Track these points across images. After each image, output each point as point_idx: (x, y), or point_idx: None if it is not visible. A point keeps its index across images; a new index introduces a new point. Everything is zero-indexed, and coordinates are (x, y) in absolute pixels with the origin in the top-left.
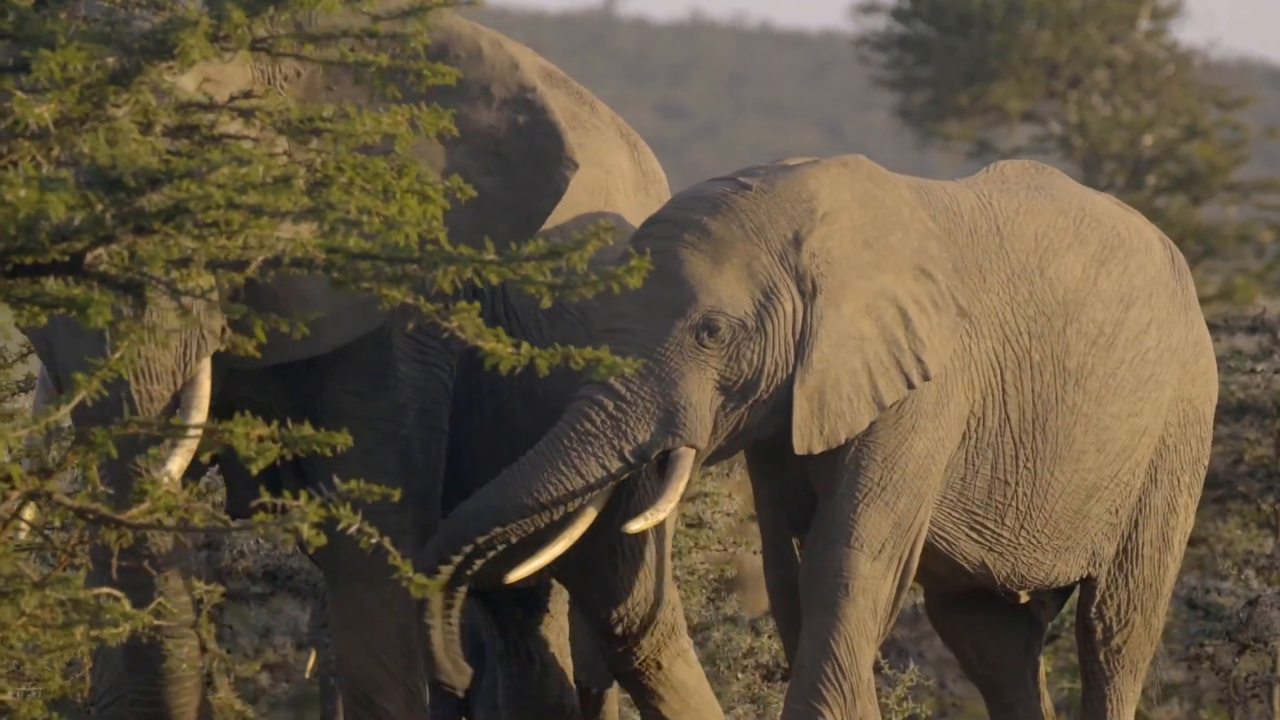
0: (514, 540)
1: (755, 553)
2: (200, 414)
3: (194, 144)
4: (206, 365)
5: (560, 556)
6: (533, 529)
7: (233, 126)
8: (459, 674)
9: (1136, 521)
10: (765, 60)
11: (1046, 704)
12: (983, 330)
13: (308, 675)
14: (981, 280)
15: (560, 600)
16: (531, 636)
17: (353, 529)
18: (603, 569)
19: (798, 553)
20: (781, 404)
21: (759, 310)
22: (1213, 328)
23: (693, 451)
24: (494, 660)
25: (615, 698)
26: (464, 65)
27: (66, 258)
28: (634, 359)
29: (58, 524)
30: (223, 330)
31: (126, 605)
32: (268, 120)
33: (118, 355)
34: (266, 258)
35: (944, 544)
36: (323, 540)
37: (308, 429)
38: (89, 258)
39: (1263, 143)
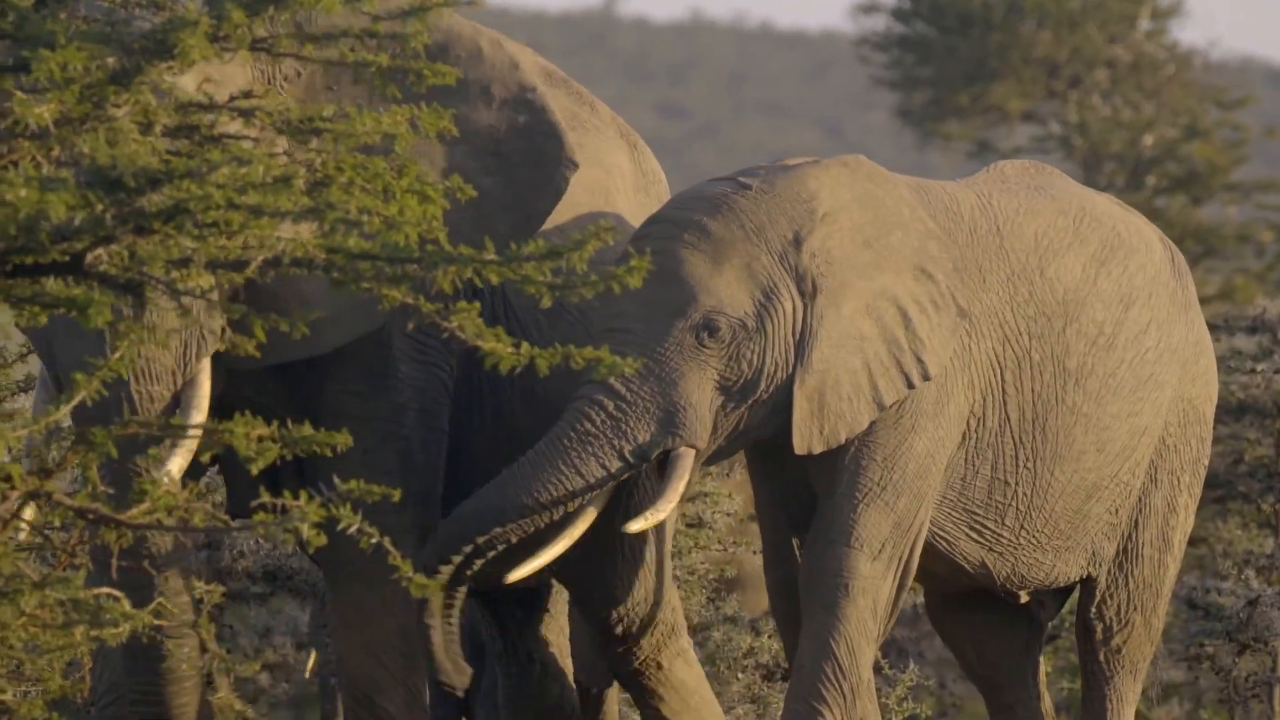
0: (514, 540)
1: (755, 553)
2: (200, 414)
3: (194, 144)
4: (206, 365)
5: (560, 556)
6: (533, 529)
7: (233, 127)
8: (459, 674)
9: (1136, 521)
10: (765, 60)
11: (1046, 704)
12: (983, 330)
13: (307, 675)
14: (981, 280)
15: (560, 600)
16: (531, 637)
17: (353, 529)
18: (603, 569)
19: (798, 553)
20: (781, 404)
21: (759, 310)
22: (1213, 328)
23: (693, 451)
24: (494, 660)
25: (615, 698)
26: (464, 65)
27: (67, 258)
28: (634, 359)
29: (58, 524)
30: (223, 330)
31: (126, 605)
32: (268, 120)
33: (118, 355)
34: (266, 258)
35: (944, 544)
36: (323, 540)
37: (308, 429)
38: (89, 258)
39: (1263, 143)
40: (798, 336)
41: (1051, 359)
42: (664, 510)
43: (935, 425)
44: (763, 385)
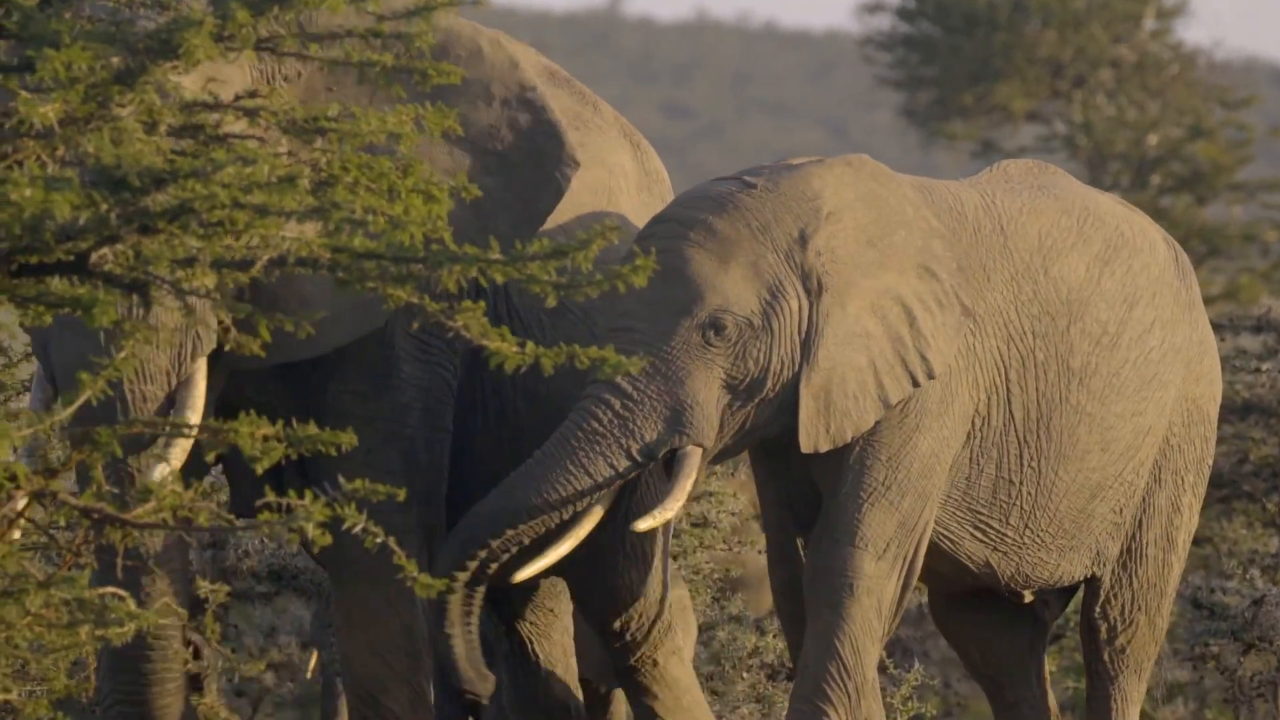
0: (526, 542)
1: (760, 552)
2: (195, 414)
3: (199, 144)
4: (202, 365)
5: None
6: (543, 529)
7: (237, 126)
8: (483, 681)
9: (1141, 521)
10: (770, 60)
11: (1051, 703)
12: (987, 329)
13: (308, 675)
14: (986, 279)
15: (566, 600)
16: (538, 636)
17: (358, 529)
18: (603, 565)
19: (802, 552)
20: (788, 403)
21: (765, 309)
22: (1218, 327)
23: (699, 450)
24: (501, 660)
25: (623, 697)
26: (464, 65)
27: (71, 257)
28: (640, 358)
29: (63, 523)
30: (226, 330)
31: (131, 605)
32: (272, 120)
33: (122, 355)
34: (272, 257)
35: (948, 543)
36: (328, 540)
37: (313, 428)
38: (94, 257)
39: (1267, 142)
40: (804, 335)
41: (1056, 358)
42: (671, 509)
43: (940, 425)
44: (769, 384)
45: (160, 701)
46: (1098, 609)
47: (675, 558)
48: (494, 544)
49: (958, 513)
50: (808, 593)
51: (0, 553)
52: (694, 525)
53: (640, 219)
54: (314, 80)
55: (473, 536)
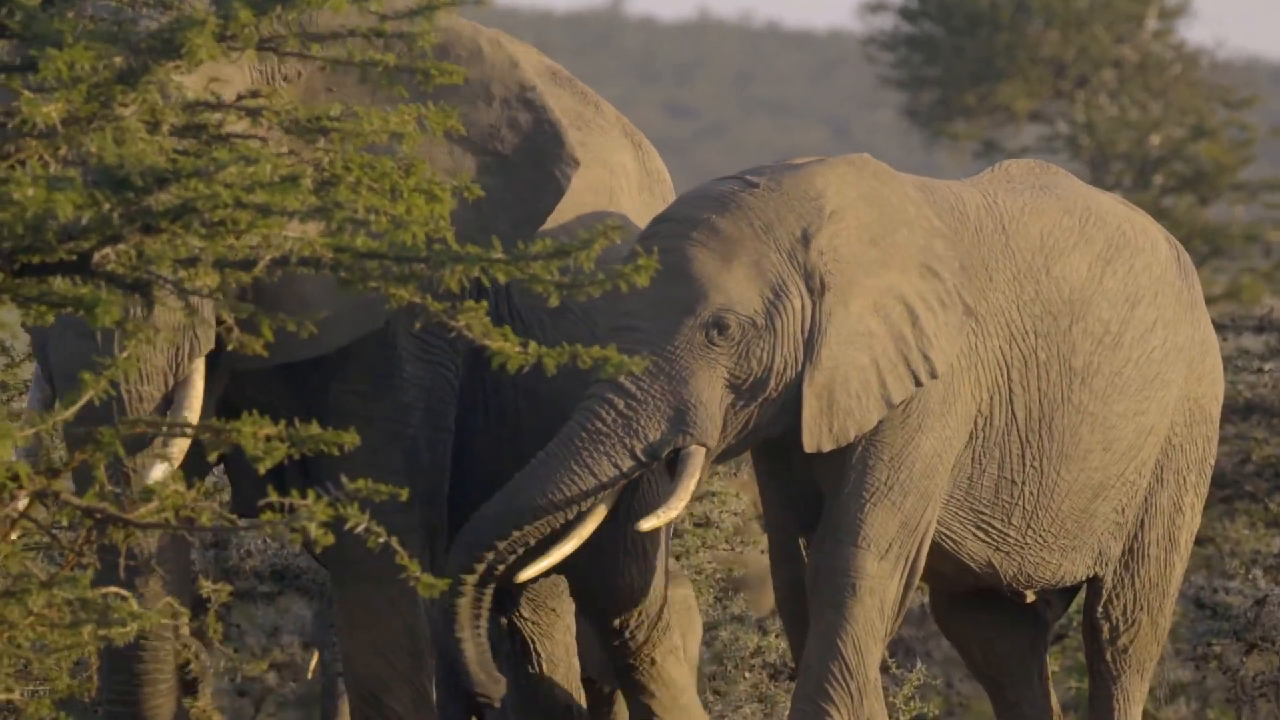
0: (533, 542)
1: (762, 552)
2: (193, 415)
3: (201, 143)
4: (200, 366)
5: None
6: (549, 530)
7: (239, 126)
8: (494, 684)
9: (1143, 521)
10: (772, 59)
11: (1053, 703)
12: (989, 329)
13: (309, 675)
14: (988, 279)
15: (568, 599)
16: (540, 636)
17: (360, 528)
18: (605, 563)
19: (804, 553)
20: (791, 402)
21: (768, 308)
22: (1220, 327)
23: (703, 450)
24: (503, 660)
25: None
26: (464, 65)
27: (74, 257)
28: (642, 357)
29: (65, 523)
30: (229, 330)
31: (134, 605)
32: (275, 120)
33: (125, 354)
34: (274, 257)
35: (950, 543)
36: (330, 539)
37: (315, 428)
38: (96, 257)
39: (1270, 142)
40: (807, 334)
41: (1058, 358)
42: (675, 508)
43: (942, 425)
44: (772, 383)
45: (152, 702)
46: (1100, 609)
47: (678, 557)
48: (501, 546)
49: (960, 513)
50: (810, 593)
51: (3, 553)
52: (696, 525)
53: (642, 219)
54: (314, 80)
55: (479, 539)
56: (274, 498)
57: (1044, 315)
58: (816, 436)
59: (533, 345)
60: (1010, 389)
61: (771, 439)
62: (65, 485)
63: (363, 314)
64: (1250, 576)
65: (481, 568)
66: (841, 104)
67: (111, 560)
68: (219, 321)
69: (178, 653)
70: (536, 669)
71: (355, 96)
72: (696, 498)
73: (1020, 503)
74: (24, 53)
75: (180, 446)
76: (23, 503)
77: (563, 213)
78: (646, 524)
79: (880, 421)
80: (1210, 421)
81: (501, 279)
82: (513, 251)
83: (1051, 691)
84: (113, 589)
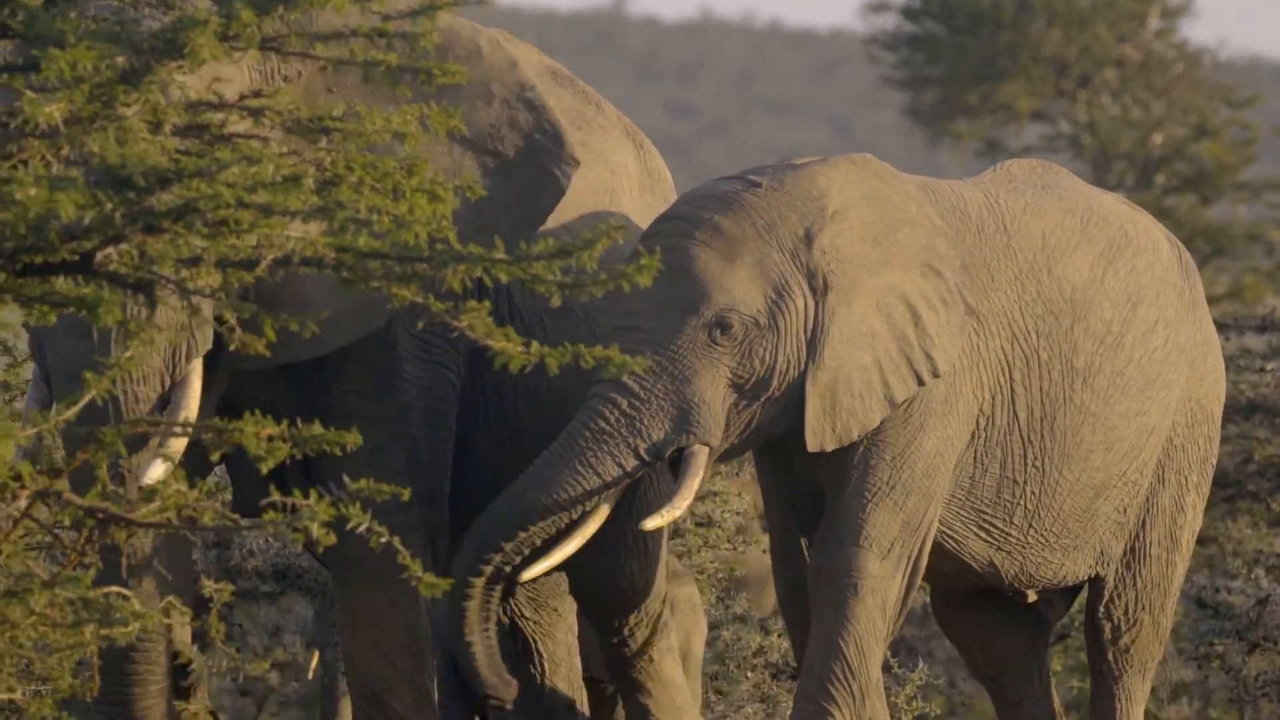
0: (539, 543)
1: (764, 552)
2: (189, 415)
3: (204, 143)
4: (197, 366)
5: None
6: (554, 530)
7: (241, 126)
8: (506, 686)
9: (1144, 521)
10: (775, 59)
11: (1054, 701)
12: (991, 329)
13: (310, 676)
14: (989, 279)
15: (569, 599)
16: (542, 636)
17: (362, 528)
18: (606, 562)
19: (806, 552)
20: (794, 401)
21: (771, 307)
22: (1222, 327)
23: (707, 449)
24: (505, 659)
25: None
26: (463, 65)
27: (76, 257)
28: (645, 357)
29: (67, 523)
30: (231, 330)
31: (136, 604)
32: (277, 120)
33: (128, 354)
34: (277, 257)
35: (952, 543)
36: (332, 539)
37: (318, 428)
38: (99, 257)
39: (1272, 142)
40: (809, 334)
41: (1060, 358)
42: (679, 508)
43: (944, 424)
44: (775, 383)
45: (143, 703)
46: (1102, 609)
47: (680, 557)
48: (508, 547)
49: (962, 512)
50: (812, 593)
51: (5, 552)
52: (698, 524)
53: (643, 219)
54: (313, 81)
55: (486, 541)
56: (276, 497)
57: (1046, 315)
58: (819, 436)
59: (535, 345)
60: (1012, 389)
61: (774, 439)
62: (67, 485)
63: (363, 314)
64: (1252, 576)
65: (489, 569)
66: (844, 103)
67: (114, 560)
68: (221, 321)
69: (178, 654)
70: (538, 669)
71: (355, 97)
72: (699, 497)
73: (1022, 502)
74: (26, 53)
75: (178, 446)
76: (25, 502)
77: (564, 213)
78: (651, 523)
79: (882, 421)
80: (1212, 421)
81: (504, 279)
82: (515, 251)
83: (1053, 690)
84: (115, 589)
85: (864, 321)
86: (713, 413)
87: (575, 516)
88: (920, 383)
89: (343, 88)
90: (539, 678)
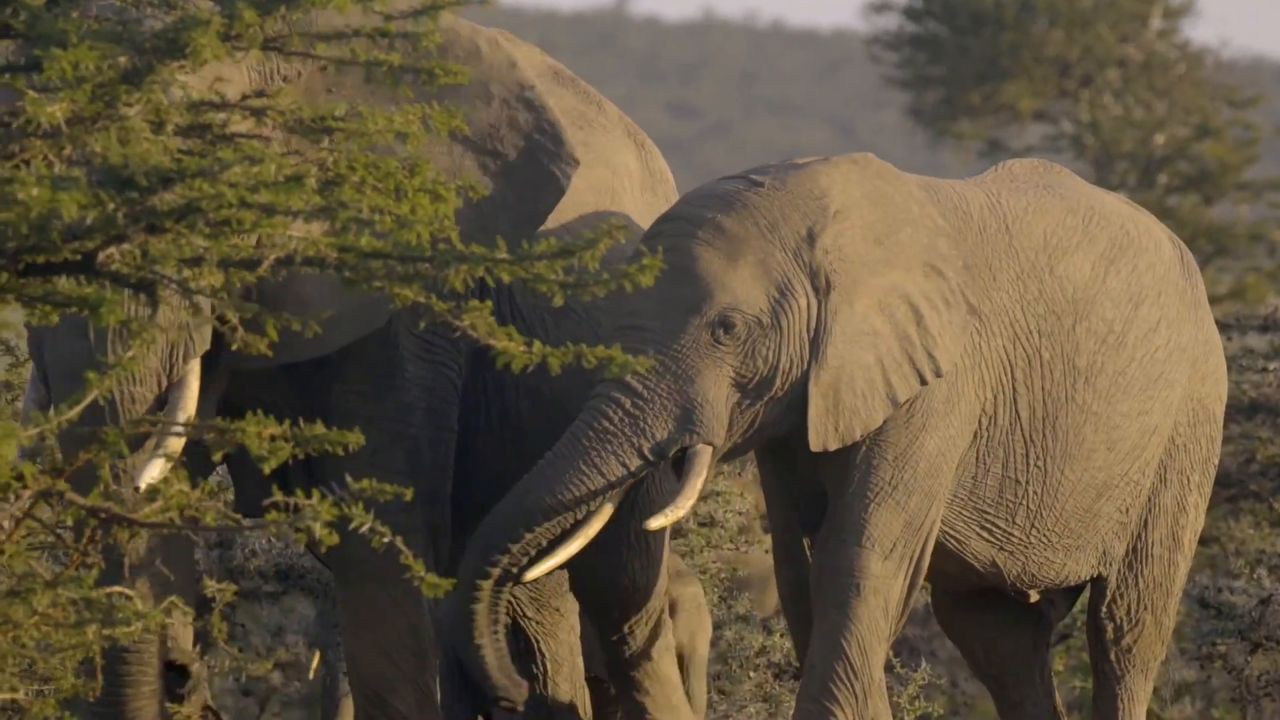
0: (545, 543)
1: (766, 552)
2: (186, 415)
3: (206, 143)
4: (195, 367)
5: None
6: (559, 530)
7: (243, 126)
8: (516, 688)
9: (1146, 521)
10: (777, 59)
11: (1056, 701)
12: (993, 328)
13: (311, 676)
14: (991, 278)
15: (571, 599)
16: (544, 635)
17: (365, 528)
18: (608, 560)
19: (808, 552)
20: (796, 401)
21: (774, 307)
22: (1225, 327)
23: (710, 449)
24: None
25: None
26: (462, 65)
27: (78, 256)
28: (647, 356)
29: (70, 523)
30: (233, 330)
31: (139, 604)
32: (279, 120)
33: (130, 354)
34: (279, 256)
35: (954, 543)
36: (335, 539)
37: (320, 428)
38: (101, 256)
39: (1274, 142)
40: (812, 333)
41: (1061, 357)
42: (683, 507)
43: (946, 424)
44: (778, 382)
45: (134, 704)
46: (1104, 609)
47: (682, 557)
48: (514, 549)
49: (964, 512)
50: (814, 593)
51: (8, 552)
52: (701, 524)
53: (644, 219)
54: (313, 81)
55: (492, 542)
56: (279, 497)
57: (1048, 314)
58: (822, 435)
59: (537, 345)
60: (1014, 388)
61: (776, 438)
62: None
63: (364, 314)
64: (1255, 576)
65: (496, 571)
66: (846, 103)
67: (116, 560)
68: (223, 321)
69: (174, 662)
70: (541, 669)
71: (354, 97)
72: (701, 497)
73: (1024, 502)
74: (29, 52)
75: (175, 446)
76: (27, 502)
77: (565, 213)
78: (655, 523)
79: (885, 421)
80: (1214, 421)
81: (506, 279)
82: (518, 251)
83: (1054, 690)
84: (117, 589)
85: (866, 321)
86: (716, 412)
87: (580, 516)
88: (923, 382)
89: (342, 88)
90: (541, 677)
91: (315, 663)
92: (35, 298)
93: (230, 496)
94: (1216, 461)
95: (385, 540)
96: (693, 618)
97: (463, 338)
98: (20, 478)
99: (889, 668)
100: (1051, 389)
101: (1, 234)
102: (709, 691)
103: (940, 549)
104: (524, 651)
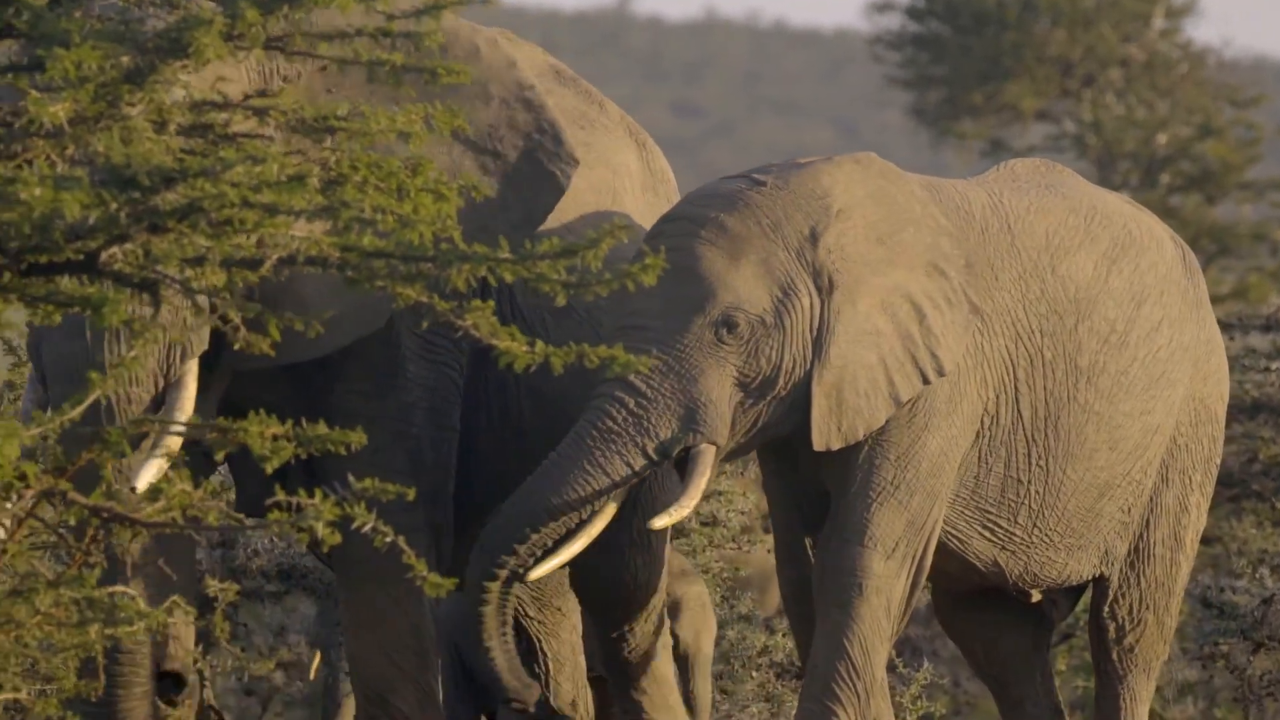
0: (551, 544)
1: (769, 551)
2: (184, 416)
3: (208, 143)
4: (192, 367)
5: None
6: (565, 530)
7: (245, 125)
8: (527, 690)
9: (1148, 520)
10: (780, 59)
11: (1057, 701)
12: (995, 328)
13: (313, 676)
14: (994, 278)
15: (574, 598)
16: (546, 635)
17: (367, 528)
18: (611, 559)
19: (810, 552)
20: (799, 400)
21: (777, 306)
22: (1227, 326)
23: (713, 448)
24: None
25: None
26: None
27: (81, 256)
28: (649, 356)
29: (72, 522)
30: (235, 330)
31: (141, 604)
32: (282, 119)
33: (133, 354)
34: (281, 256)
35: (956, 542)
36: (338, 539)
37: (322, 428)
38: (103, 256)
39: (1277, 141)
40: (815, 333)
41: (1064, 357)
42: (687, 507)
43: (949, 424)
44: (781, 382)
45: (126, 704)
46: (1106, 608)
47: (685, 556)
48: (521, 550)
49: (966, 512)
50: (817, 592)
51: (10, 552)
52: (703, 524)
53: (645, 219)
54: (313, 82)
55: (499, 544)
56: (281, 497)
57: (1050, 314)
58: (825, 435)
59: (540, 344)
60: (1016, 388)
61: (779, 438)
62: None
63: (365, 314)
64: (1257, 575)
65: (503, 573)
66: (849, 103)
67: (118, 559)
68: (225, 321)
69: (173, 666)
70: (543, 668)
71: (355, 97)
72: (704, 496)
73: (1026, 502)
74: (31, 52)
75: (173, 446)
76: (29, 502)
77: (565, 212)
78: (658, 522)
79: (887, 421)
80: (1216, 421)
81: (509, 278)
82: (520, 251)
83: (1055, 690)
84: (119, 588)
85: (869, 320)
86: (719, 412)
87: (585, 516)
88: (925, 381)
89: (343, 88)
90: (544, 677)
91: (317, 662)
92: (38, 297)
93: (232, 496)
94: (1219, 461)
95: (387, 540)
96: (697, 617)
97: (465, 337)
98: (23, 477)
99: (891, 667)
100: (1054, 388)
101: (4, 234)
102: (712, 691)
103: (942, 549)
104: (526, 651)
